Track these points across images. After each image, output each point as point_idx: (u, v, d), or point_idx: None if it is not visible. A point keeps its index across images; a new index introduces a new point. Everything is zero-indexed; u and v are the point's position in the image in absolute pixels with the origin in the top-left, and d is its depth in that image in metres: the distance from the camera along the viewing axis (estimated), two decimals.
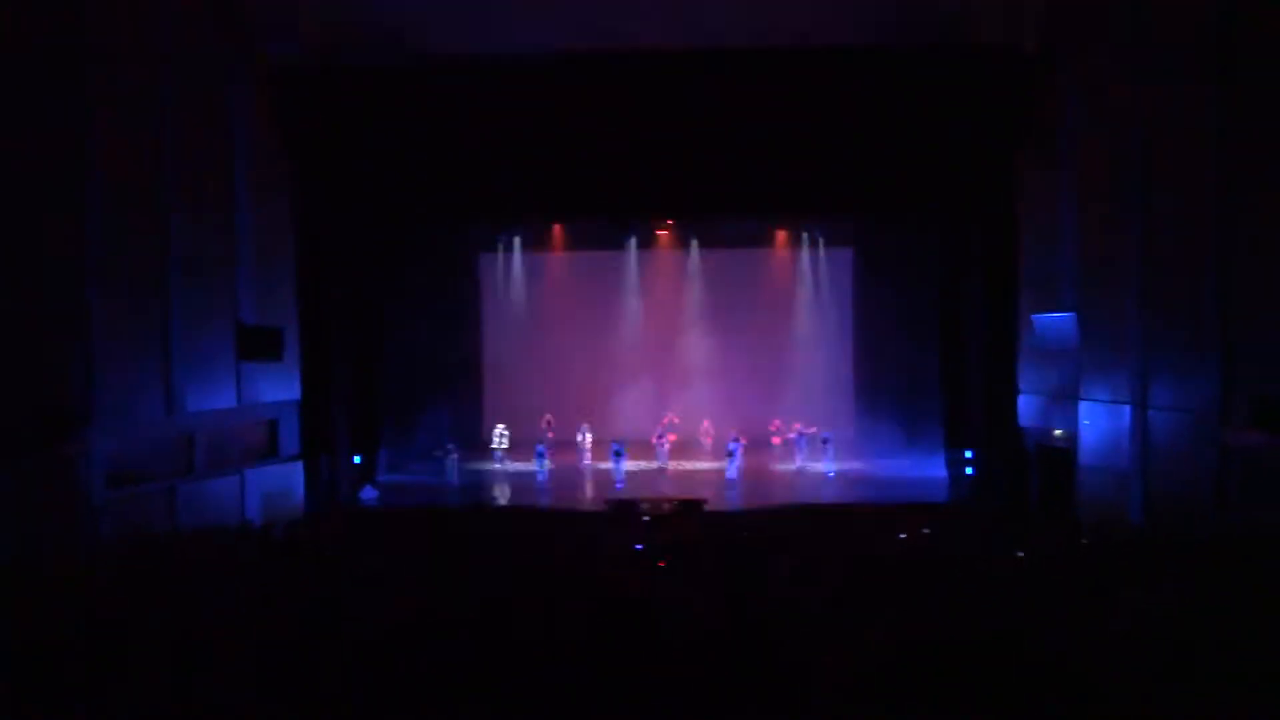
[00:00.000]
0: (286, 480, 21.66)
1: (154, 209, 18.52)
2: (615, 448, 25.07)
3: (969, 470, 23.23)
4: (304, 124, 21.85)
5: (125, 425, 17.59)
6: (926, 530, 16.10)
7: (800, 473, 25.51)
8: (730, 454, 25.22)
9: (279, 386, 21.57)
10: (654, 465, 26.18)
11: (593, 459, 26.72)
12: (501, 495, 24.06)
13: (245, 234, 20.74)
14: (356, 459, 23.69)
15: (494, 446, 27.15)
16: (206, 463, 19.63)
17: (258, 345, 20.61)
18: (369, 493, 23.36)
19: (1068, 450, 20.80)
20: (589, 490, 24.20)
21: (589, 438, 26.94)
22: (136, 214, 18.11)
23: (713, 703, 2.16)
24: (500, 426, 27.36)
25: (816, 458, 25.73)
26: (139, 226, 18.20)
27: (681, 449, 27.72)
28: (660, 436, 26.78)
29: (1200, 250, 16.91)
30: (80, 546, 15.27)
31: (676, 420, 28.02)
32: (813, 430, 26.13)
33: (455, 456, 25.04)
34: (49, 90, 16.25)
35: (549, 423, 27.86)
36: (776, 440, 27.22)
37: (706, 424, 28.25)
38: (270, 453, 21.57)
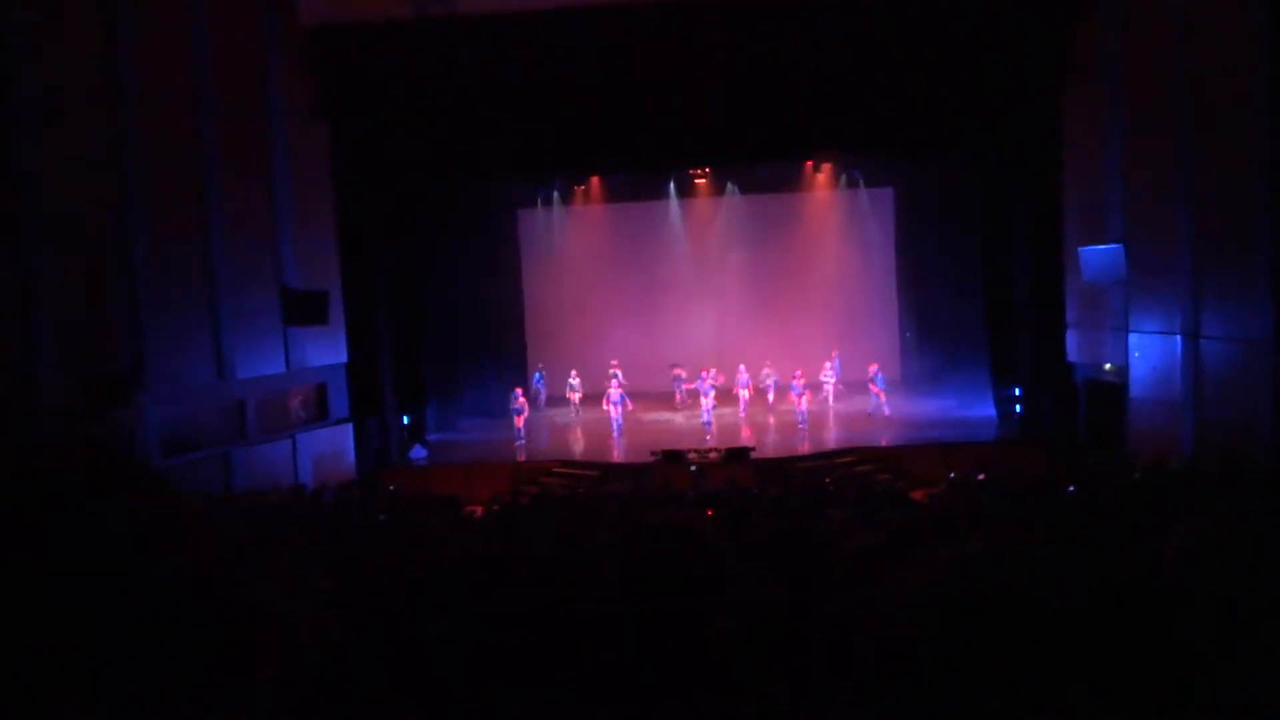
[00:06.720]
0: (337, 443, 21.91)
1: (194, 173, 18.65)
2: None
3: (1017, 408, 23.02)
4: (341, 83, 21.80)
5: (177, 392, 17.85)
6: (981, 475, 16.04)
7: (853, 414, 25.27)
8: (791, 391, 24.88)
9: (326, 350, 21.74)
10: (698, 418, 26.14)
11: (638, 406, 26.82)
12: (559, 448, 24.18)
13: (286, 197, 20.85)
14: (405, 419, 23.91)
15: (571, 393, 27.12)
16: (258, 428, 19.90)
17: (303, 309, 20.74)
18: (418, 452, 23.59)
19: (1117, 384, 20.57)
20: (640, 437, 24.27)
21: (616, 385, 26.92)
22: (177, 179, 18.25)
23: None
24: (573, 373, 27.34)
25: (864, 398, 25.39)
26: (180, 192, 18.35)
27: (726, 395, 27.69)
28: (703, 382, 26.86)
29: (1251, 175, 16.54)
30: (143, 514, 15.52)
31: (708, 373, 27.99)
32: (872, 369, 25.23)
33: (522, 406, 24.99)
34: (84, 55, 16.36)
35: (616, 367, 27.70)
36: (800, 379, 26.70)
37: (745, 372, 27.82)
38: (320, 416, 21.84)
